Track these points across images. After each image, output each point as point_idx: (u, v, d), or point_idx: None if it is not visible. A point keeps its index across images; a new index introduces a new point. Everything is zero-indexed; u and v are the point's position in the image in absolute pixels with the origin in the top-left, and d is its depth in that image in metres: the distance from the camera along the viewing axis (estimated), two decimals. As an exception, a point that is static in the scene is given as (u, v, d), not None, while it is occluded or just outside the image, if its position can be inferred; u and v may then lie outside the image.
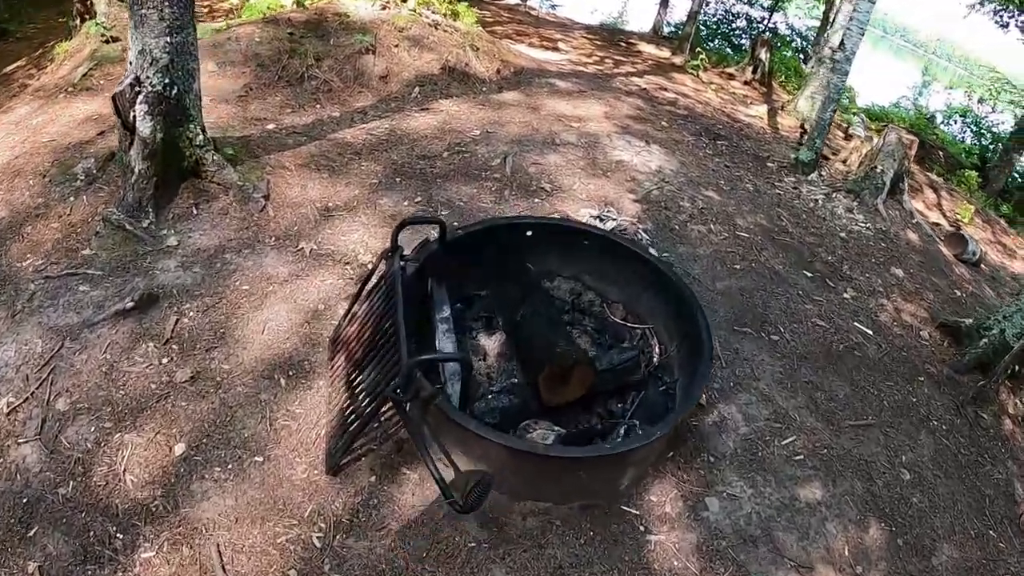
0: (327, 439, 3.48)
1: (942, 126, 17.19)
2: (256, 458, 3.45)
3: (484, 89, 7.81)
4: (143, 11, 4.35)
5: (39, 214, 4.65)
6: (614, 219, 5.60)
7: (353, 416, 3.17)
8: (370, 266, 3.70)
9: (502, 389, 3.67)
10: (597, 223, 5.45)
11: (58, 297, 4.10)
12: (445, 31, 8.00)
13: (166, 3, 4.37)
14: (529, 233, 4.22)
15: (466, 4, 9.12)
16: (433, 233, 3.87)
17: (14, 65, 9.30)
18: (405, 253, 3.49)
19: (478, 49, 8.20)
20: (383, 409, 2.95)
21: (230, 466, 3.40)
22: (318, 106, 6.50)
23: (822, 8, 19.33)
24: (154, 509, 3.20)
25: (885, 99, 19.59)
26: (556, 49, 11.99)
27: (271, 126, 5.94)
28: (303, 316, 4.19)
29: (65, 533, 3.09)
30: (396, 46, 7.36)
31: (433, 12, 8.27)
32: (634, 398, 3.80)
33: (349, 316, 3.75)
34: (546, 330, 3.65)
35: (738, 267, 5.59)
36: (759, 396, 4.39)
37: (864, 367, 4.97)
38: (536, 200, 5.76)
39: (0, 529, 3.09)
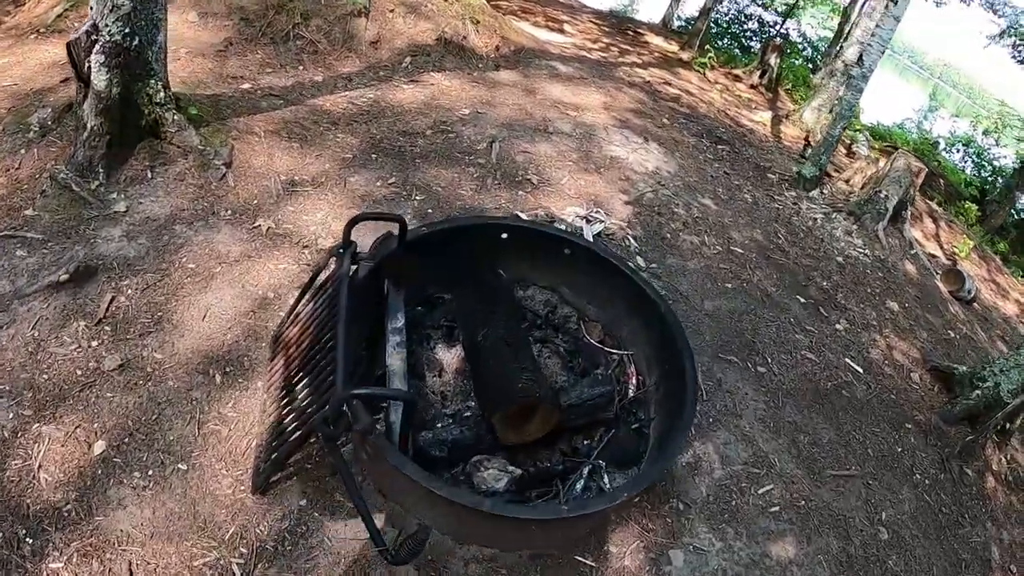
0: (257, 452, 3.11)
1: (943, 153, 16.92)
2: (180, 465, 3.09)
3: (480, 65, 7.40)
4: (103, -51, 3.92)
5: None
6: (602, 221, 5.23)
7: (282, 435, 2.80)
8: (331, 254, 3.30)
9: (455, 414, 3.30)
10: (584, 224, 5.09)
11: None
12: (446, 0, 7.56)
13: (130, -59, 3.92)
14: (504, 236, 3.83)
15: (472, -25, 8.65)
16: (405, 220, 3.48)
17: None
18: (360, 251, 3.10)
19: (478, 23, 7.78)
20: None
21: (151, 472, 3.05)
22: (301, 68, 6.06)
23: (837, 20, 19.01)
24: (66, 514, 2.86)
25: (889, 118, 19.27)
26: (561, 31, 11.55)
27: (246, 86, 5.51)
28: (250, 304, 3.81)
29: (-27, 529, 2.78)
30: (391, 11, 6.92)
31: (436, -21, 7.82)
32: (602, 435, 3.42)
33: (293, 314, 3.36)
34: (509, 358, 3.23)
35: (729, 286, 5.25)
36: (739, 435, 4.06)
37: (851, 409, 4.66)
38: (520, 192, 5.38)
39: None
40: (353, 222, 3.04)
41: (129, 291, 3.72)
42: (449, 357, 3.56)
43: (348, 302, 2.65)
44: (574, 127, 6.67)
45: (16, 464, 2.97)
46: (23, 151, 4.35)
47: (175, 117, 4.54)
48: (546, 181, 5.63)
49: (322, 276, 3.30)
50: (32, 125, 4.50)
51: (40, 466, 2.98)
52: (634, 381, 3.71)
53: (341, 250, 2.99)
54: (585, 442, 3.40)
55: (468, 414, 3.28)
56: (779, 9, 22.98)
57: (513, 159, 5.77)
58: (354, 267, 3.09)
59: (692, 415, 3.02)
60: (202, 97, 5.10)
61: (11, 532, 2.76)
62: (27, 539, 2.75)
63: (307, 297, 3.23)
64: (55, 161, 4.28)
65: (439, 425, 3.19)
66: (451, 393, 3.44)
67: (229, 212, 4.30)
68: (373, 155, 5.24)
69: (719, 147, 7.87)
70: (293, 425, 2.71)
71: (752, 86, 11.92)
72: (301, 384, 2.82)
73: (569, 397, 3.31)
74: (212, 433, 3.22)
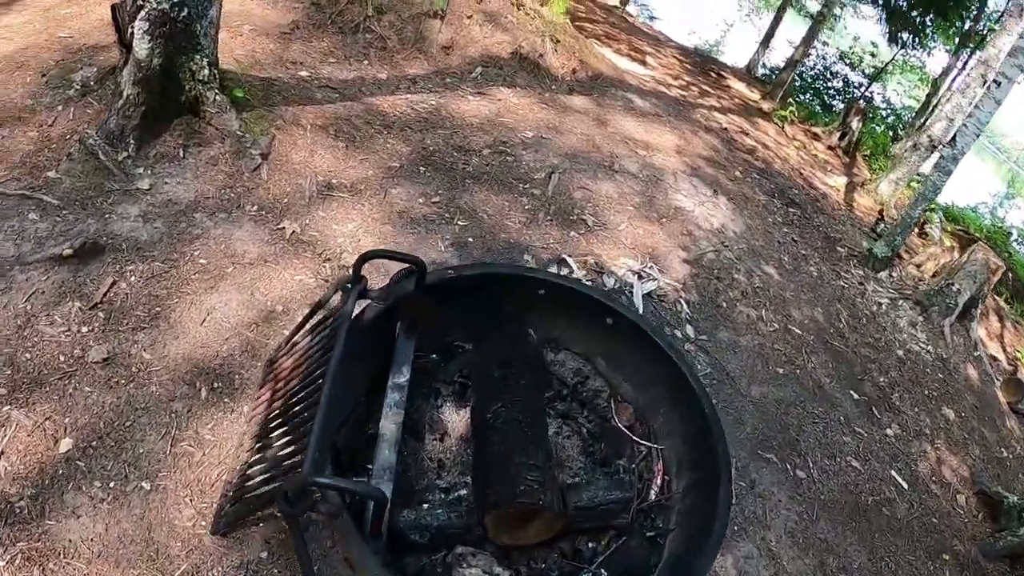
0: (224, 489, 2.80)
1: (1015, 244, 16.22)
2: (143, 484, 2.81)
3: (553, 87, 7.02)
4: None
5: (22, 118, 4.06)
6: (655, 279, 4.84)
7: (249, 483, 2.47)
8: (350, 271, 2.91)
9: (449, 488, 2.91)
10: (635, 280, 4.70)
11: (3, 221, 3.50)
12: (527, 14, 7.22)
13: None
14: (542, 292, 3.44)
15: (559, -8, 8.27)
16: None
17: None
18: (371, 288, 2.74)
19: (558, 42, 7.43)
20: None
21: (112, 485, 2.78)
22: (365, 63, 5.75)
23: (925, 91, 18.45)
24: (18, 510, 2.63)
25: (962, 199, 18.59)
26: (643, 62, 11.16)
27: (304, 73, 5.21)
28: (255, 314, 3.50)
29: (-78, 507, 2.58)
30: (469, 17, 6.61)
31: (521, -10, 7.48)
32: (611, 541, 2.98)
33: (291, 343, 3.02)
34: (519, 447, 2.81)
35: (781, 371, 4.83)
36: (763, 551, 3.64)
37: (889, 531, 4.23)
38: (572, 233, 4.98)
39: None
40: (364, 258, 2.67)
41: (132, 278, 3.46)
42: (456, 420, 3.16)
43: (343, 351, 2.29)
44: (641, 168, 6.27)
45: (-22, 446, 2.74)
46: (60, 108, 4.15)
47: (217, 97, 4.27)
48: (602, 224, 5.24)
49: (334, 299, 2.95)
50: (75, 82, 4.32)
51: (2, 452, 2.75)
52: (659, 482, 3.25)
53: (348, 285, 2.62)
54: (590, 545, 2.95)
55: (463, 493, 2.89)
56: (866, 71, 22.47)
57: (571, 194, 5.38)
58: (364, 304, 2.74)
59: (715, 551, 2.60)
60: (255, 79, 4.83)
61: (-39, 517, 2.55)
62: (-26, 527, 2.53)
63: (308, 327, 2.88)
64: (88, 124, 4.05)
65: (425, 506, 2.79)
66: (450, 462, 3.03)
67: (255, 208, 4.00)
68: (422, 167, 4.89)
69: (790, 210, 7.43)
70: (259, 480, 2.38)
71: (830, 147, 11.44)
72: (279, 432, 2.49)
73: (580, 497, 2.88)
74: (184, 454, 2.94)
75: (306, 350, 2.71)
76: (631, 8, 18.90)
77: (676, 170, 6.62)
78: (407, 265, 2.83)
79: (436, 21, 6.37)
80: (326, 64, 5.49)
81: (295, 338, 2.98)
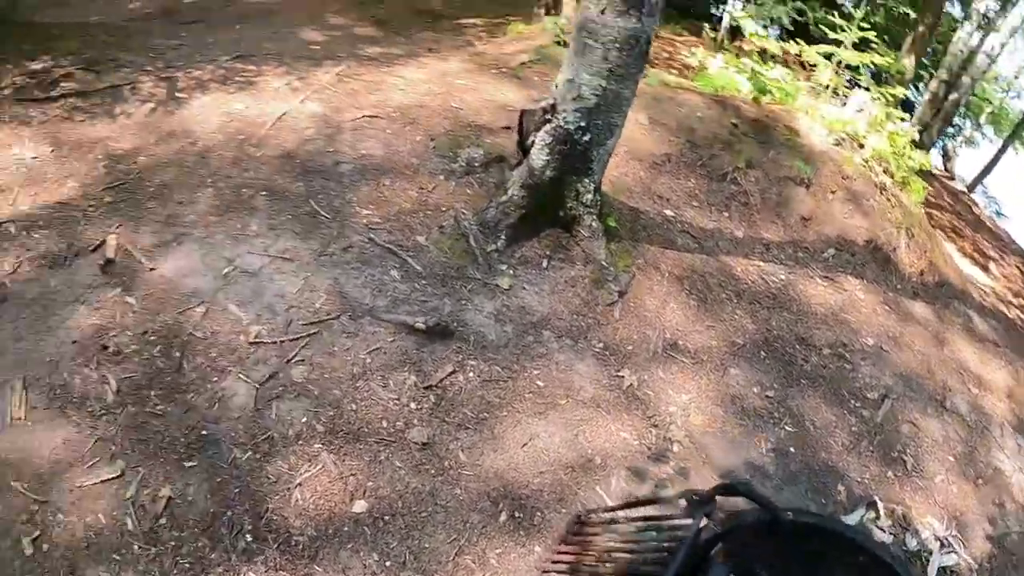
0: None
1: None
2: (417, 576, 2.89)
3: (898, 287, 6.54)
4: (587, 40, 3.81)
5: (405, 175, 4.43)
6: (956, 553, 4.32)
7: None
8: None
9: None
10: (936, 547, 4.24)
11: (367, 266, 3.80)
12: (889, 200, 6.86)
13: (616, 45, 3.77)
14: (861, 559, 3.16)
15: (921, 183, 7.78)
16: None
17: (472, 21, 9.54)
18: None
19: (912, 236, 7.00)
20: None
21: (388, 563, 2.88)
22: (725, 215, 5.67)
23: None
24: (293, 543, 2.81)
25: None
26: (985, 268, 10.34)
27: (669, 212, 5.23)
28: (574, 457, 3.48)
29: (211, 492, 2.85)
30: (832, 193, 6.38)
31: (885, 172, 7.14)
32: None
33: (611, 516, 2.93)
34: None
35: None
36: None
37: None
38: (889, 474, 4.54)
39: (164, 440, 2.95)
40: (724, 491, 2.49)
41: (471, 373, 3.58)
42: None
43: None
44: (970, 409, 5.67)
45: (281, 467, 2.97)
46: (442, 178, 4.47)
47: (593, 224, 4.38)
48: (920, 471, 4.75)
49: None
50: (460, 158, 4.64)
51: (300, 484, 2.95)
52: None
53: (697, 498, 2.47)
54: None
55: None
56: None
57: (897, 427, 4.93)
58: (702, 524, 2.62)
59: None
60: (624, 206, 4.92)
61: (239, 519, 2.80)
62: (248, 536, 2.77)
63: (634, 514, 2.78)
64: (464, 204, 4.33)
65: None
66: None
67: (601, 345, 4.03)
68: (761, 353, 4.64)
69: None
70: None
71: None
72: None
73: None
74: (464, 567, 2.97)
75: (631, 544, 2.61)
76: (978, 196, 17.71)
77: (1004, 420, 5.95)
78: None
79: (800, 188, 6.22)
80: (689, 207, 5.46)
81: (616, 514, 2.92)
